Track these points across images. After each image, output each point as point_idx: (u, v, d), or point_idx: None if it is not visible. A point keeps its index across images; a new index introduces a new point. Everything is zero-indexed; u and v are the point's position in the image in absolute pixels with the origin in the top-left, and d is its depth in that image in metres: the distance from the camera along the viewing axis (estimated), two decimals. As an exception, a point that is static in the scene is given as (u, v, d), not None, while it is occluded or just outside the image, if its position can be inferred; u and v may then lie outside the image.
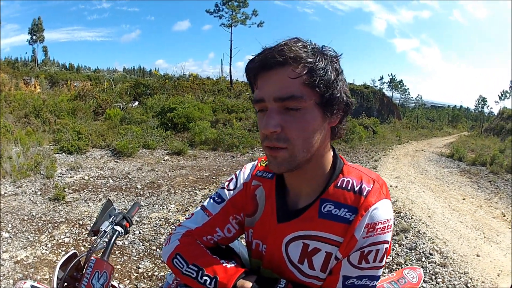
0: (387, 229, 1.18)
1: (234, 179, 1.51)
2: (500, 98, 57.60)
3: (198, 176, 9.77)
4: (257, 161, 1.52)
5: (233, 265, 1.30)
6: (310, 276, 1.28)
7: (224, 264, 1.29)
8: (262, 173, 1.45)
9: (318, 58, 1.11)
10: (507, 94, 56.59)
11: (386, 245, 1.19)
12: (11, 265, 4.42)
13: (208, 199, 1.52)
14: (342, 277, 1.20)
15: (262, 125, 1.14)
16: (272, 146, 1.15)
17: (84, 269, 1.56)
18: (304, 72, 1.09)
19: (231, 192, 1.48)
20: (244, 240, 1.53)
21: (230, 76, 37.24)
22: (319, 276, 1.27)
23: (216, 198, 1.49)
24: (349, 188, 1.23)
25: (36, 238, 5.21)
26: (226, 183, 1.52)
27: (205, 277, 1.25)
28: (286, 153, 1.14)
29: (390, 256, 5.29)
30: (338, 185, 1.25)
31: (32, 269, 4.39)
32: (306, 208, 1.27)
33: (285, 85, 1.09)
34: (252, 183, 1.45)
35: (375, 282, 1.21)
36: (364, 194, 1.20)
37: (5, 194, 6.94)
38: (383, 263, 1.20)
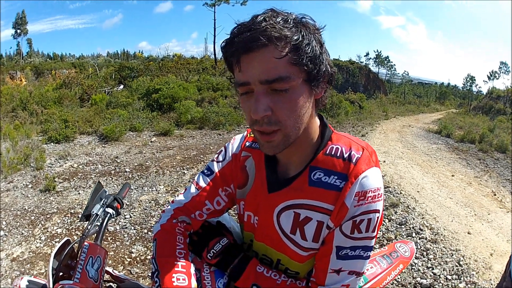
0: (378, 197, 1.17)
1: (223, 151, 1.52)
2: (489, 78, 57.86)
3: (186, 156, 9.81)
4: (246, 132, 1.51)
5: (188, 276, 1.29)
6: (304, 248, 1.28)
7: (177, 276, 1.27)
8: (251, 143, 1.45)
9: (302, 33, 1.07)
10: (496, 75, 56.82)
11: (378, 214, 1.19)
12: (8, 263, 4.40)
13: (199, 172, 1.53)
14: (335, 248, 1.20)
15: (251, 110, 1.10)
16: (263, 131, 1.12)
17: (78, 256, 1.55)
18: (290, 51, 1.04)
19: (220, 164, 1.49)
20: (236, 213, 1.53)
21: (215, 54, 36.89)
22: (309, 247, 1.27)
23: (206, 171, 1.51)
24: (338, 155, 1.22)
25: (30, 232, 5.19)
26: (216, 155, 1.53)
27: (156, 279, 1.27)
28: (280, 135, 1.12)
29: (380, 231, 5.33)
30: (327, 152, 1.24)
31: (28, 265, 4.37)
32: (296, 176, 1.27)
33: (270, 66, 1.04)
34: (242, 154, 1.45)
35: (368, 252, 1.22)
36: (354, 161, 1.19)
37: (-2, 191, 6.89)
38: (375, 233, 1.21)
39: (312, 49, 1.08)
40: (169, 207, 1.50)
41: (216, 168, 1.49)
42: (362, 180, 1.16)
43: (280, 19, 1.06)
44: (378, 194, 1.17)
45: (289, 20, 1.07)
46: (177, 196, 1.52)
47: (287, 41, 1.04)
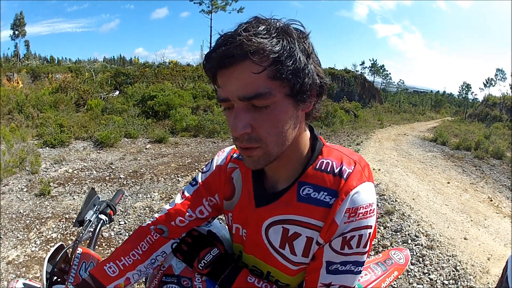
0: (370, 213, 1.14)
1: (209, 162, 1.51)
2: (485, 85, 58.13)
3: (180, 163, 9.79)
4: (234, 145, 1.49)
5: (120, 273, 1.36)
6: (294, 263, 1.26)
7: (110, 265, 1.35)
8: (239, 155, 1.42)
9: (284, 44, 1.00)
10: (492, 82, 57.08)
11: (370, 230, 1.15)
12: (4, 266, 4.39)
13: (188, 184, 1.53)
14: (325, 263, 1.18)
15: (231, 126, 1.08)
16: (243, 147, 1.10)
17: (72, 261, 1.56)
18: (269, 65, 0.98)
19: (204, 174, 1.48)
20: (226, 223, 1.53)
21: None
22: (299, 261, 1.25)
23: (192, 181, 1.50)
24: (328, 170, 1.18)
25: (25, 236, 5.18)
26: (203, 167, 1.53)
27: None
28: (261, 151, 1.09)
29: (375, 238, 5.33)
30: (317, 167, 1.20)
31: (24, 268, 4.37)
32: (284, 191, 1.24)
33: (248, 82, 0.99)
34: (229, 166, 1.43)
35: (359, 267, 1.19)
36: (345, 176, 1.15)
37: (-7, 194, 6.86)
38: (367, 248, 1.18)
39: (295, 61, 1.01)
40: (155, 214, 1.51)
41: (200, 178, 1.49)
42: (353, 196, 1.12)
43: (261, 29, 1.00)
44: (370, 210, 1.14)
45: (271, 29, 1.01)
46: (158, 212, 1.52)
47: (266, 54, 0.97)
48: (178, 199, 1.48)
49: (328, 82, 1.16)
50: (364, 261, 1.19)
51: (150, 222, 1.49)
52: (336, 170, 1.17)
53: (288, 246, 1.24)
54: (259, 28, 1.00)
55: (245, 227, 1.36)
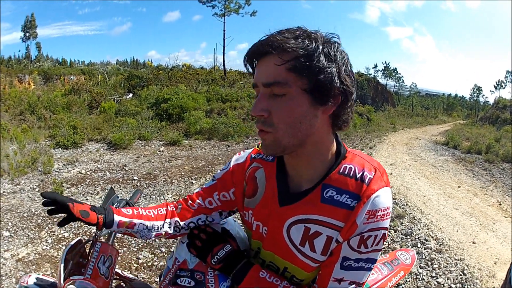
0: (386, 216, 1.23)
1: (229, 161, 1.61)
2: (495, 87, 57.66)
3: (194, 166, 9.82)
4: (256, 146, 1.58)
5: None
6: (312, 260, 1.33)
7: (123, 210, 1.54)
8: (262, 155, 1.51)
9: (306, 43, 1.14)
10: (503, 84, 56.57)
11: (385, 231, 1.25)
12: (13, 263, 4.44)
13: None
14: (341, 258, 1.25)
15: (252, 107, 1.22)
16: (259, 129, 1.23)
17: (90, 254, 1.60)
18: (289, 59, 1.13)
19: (221, 172, 1.61)
20: (240, 220, 1.62)
21: (224, 65, 36.86)
22: (317, 259, 1.32)
23: (213, 177, 1.63)
24: (351, 175, 1.27)
25: (36, 234, 5.22)
26: (224, 165, 1.64)
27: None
28: (271, 137, 1.21)
29: (385, 241, 5.33)
30: (341, 171, 1.28)
31: (34, 266, 4.41)
32: (308, 192, 1.31)
33: (271, 71, 1.16)
34: (253, 165, 1.52)
35: (371, 264, 1.27)
36: (366, 181, 1.24)
37: (4, 193, 6.93)
38: (380, 247, 1.26)
39: (313, 60, 1.13)
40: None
41: (218, 175, 1.61)
42: (374, 199, 1.21)
43: (293, 31, 1.18)
44: (387, 212, 1.24)
45: (301, 33, 1.17)
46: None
47: (287, 50, 1.13)
48: (196, 189, 1.66)
49: (353, 91, 1.25)
50: (376, 259, 1.28)
51: (175, 201, 1.66)
52: (358, 175, 1.27)
53: (308, 244, 1.32)
54: (292, 31, 1.18)
55: (266, 224, 1.43)
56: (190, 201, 1.61)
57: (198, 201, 1.59)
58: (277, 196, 1.38)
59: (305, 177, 1.33)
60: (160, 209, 1.61)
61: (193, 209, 1.59)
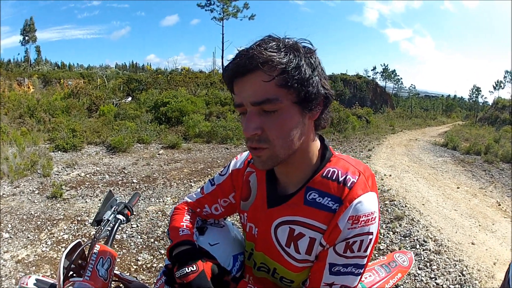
0: (371, 221, 1.23)
1: (226, 166, 1.64)
2: (494, 88, 57.51)
3: (193, 169, 9.85)
4: None
5: (191, 230, 1.52)
6: (297, 260, 1.35)
7: (182, 229, 1.50)
8: None
9: (291, 57, 1.13)
10: (502, 84, 56.53)
11: (371, 236, 1.24)
12: (13, 264, 4.46)
13: (208, 180, 1.70)
14: (328, 264, 1.26)
15: (243, 128, 1.20)
16: (253, 147, 1.22)
17: (89, 256, 1.62)
18: (277, 74, 1.11)
19: (221, 177, 1.63)
20: (239, 222, 1.64)
21: (223, 69, 37.06)
22: (302, 259, 1.34)
23: (211, 181, 1.66)
24: (334, 178, 1.28)
25: (36, 236, 5.25)
26: (222, 169, 1.67)
27: (169, 239, 1.49)
28: (268, 152, 1.21)
29: (384, 243, 5.37)
30: (324, 174, 1.30)
31: (34, 267, 4.43)
32: (293, 194, 1.34)
33: (259, 89, 1.13)
34: (247, 170, 1.54)
35: (360, 270, 1.27)
36: (349, 185, 1.24)
37: (4, 195, 6.96)
38: (368, 252, 1.26)
39: (300, 72, 1.14)
40: (178, 202, 1.71)
41: (217, 180, 1.64)
42: (356, 205, 1.21)
43: (272, 44, 1.14)
44: (372, 218, 1.23)
45: (281, 45, 1.15)
46: (186, 196, 1.72)
47: (274, 65, 1.11)
48: (197, 194, 1.69)
49: (333, 93, 1.29)
50: (364, 264, 1.28)
51: (181, 203, 1.72)
52: (341, 179, 1.27)
53: (293, 245, 1.34)
54: (270, 44, 1.14)
55: (257, 226, 1.47)
56: (199, 209, 1.66)
57: (205, 209, 1.65)
58: (266, 198, 1.43)
59: (293, 181, 1.36)
60: (187, 214, 1.64)
61: (203, 214, 1.67)
